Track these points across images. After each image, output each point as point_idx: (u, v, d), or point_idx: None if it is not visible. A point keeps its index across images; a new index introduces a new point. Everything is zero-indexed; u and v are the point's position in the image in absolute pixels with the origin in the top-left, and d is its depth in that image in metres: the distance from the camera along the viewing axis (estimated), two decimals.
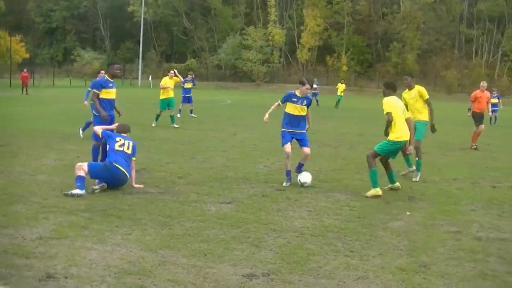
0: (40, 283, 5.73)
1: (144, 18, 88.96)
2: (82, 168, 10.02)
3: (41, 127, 20.26)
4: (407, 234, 8.12)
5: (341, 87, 45.51)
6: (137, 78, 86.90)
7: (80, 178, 9.90)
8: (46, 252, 6.68)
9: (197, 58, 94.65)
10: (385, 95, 11.13)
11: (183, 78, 27.23)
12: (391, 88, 11.15)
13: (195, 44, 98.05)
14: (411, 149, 11.42)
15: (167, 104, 23.36)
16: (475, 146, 19.06)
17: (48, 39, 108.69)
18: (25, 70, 51.36)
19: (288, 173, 11.63)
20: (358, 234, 8.00)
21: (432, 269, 6.62)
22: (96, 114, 12.25)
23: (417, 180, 12.48)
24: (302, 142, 11.87)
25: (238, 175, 12.27)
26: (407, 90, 13.09)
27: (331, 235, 7.92)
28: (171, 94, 23.57)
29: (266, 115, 12.15)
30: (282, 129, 11.84)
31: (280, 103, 11.92)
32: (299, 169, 11.87)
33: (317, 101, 46.70)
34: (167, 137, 18.84)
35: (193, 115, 28.34)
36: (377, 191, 10.53)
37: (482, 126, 19.51)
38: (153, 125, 22.54)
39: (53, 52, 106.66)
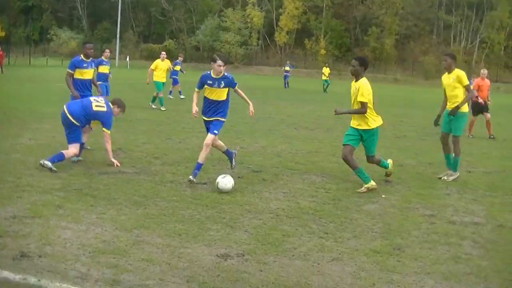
0: (14, 262, 5.70)
1: None
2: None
3: (16, 106, 20.06)
4: (382, 217, 8.18)
5: (326, 71, 45.22)
6: (115, 59, 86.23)
7: None
8: (20, 231, 6.64)
9: (175, 39, 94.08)
10: (360, 75, 10.00)
11: (175, 60, 28.93)
12: (366, 66, 10.08)
13: (173, 25, 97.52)
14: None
15: (161, 85, 23.44)
16: (493, 136, 18.89)
17: (24, 17, 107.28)
18: None
19: (197, 166, 9.87)
20: (333, 217, 8.03)
21: (406, 252, 6.67)
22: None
23: (449, 180, 11.03)
24: (210, 128, 10.09)
25: (214, 156, 12.23)
26: (446, 73, 11.35)
27: (306, 217, 7.96)
28: (163, 77, 23.78)
29: (193, 109, 10.18)
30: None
31: (197, 90, 10.17)
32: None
33: (287, 83, 46.95)
34: (143, 118, 18.75)
35: (171, 96, 28.32)
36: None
37: (488, 115, 19.35)
38: (162, 109, 22.40)
39: (29, 31, 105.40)
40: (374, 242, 6.98)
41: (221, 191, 9.08)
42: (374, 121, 10.03)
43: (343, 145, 10.07)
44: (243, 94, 10.26)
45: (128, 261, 5.88)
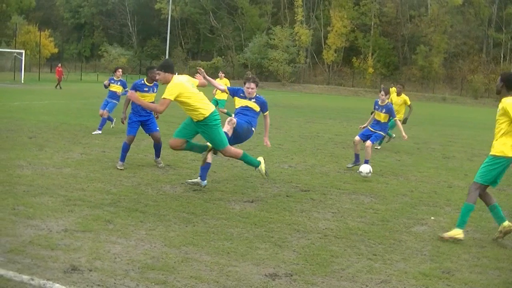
0: (65, 275, 5.79)
1: (171, 15, 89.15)
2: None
3: (67, 121, 20.42)
4: (431, 239, 8.08)
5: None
6: None
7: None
8: (71, 245, 6.75)
9: (223, 56, 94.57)
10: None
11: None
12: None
13: (221, 43, 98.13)
14: None
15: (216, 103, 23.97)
16: None
17: (76, 34, 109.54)
18: (59, 65, 51.70)
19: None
20: (382, 238, 7.97)
21: (456, 276, 6.57)
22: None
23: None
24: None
25: None
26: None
27: (354, 237, 7.91)
28: (222, 95, 24.28)
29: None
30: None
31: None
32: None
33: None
34: None
35: None
36: None
37: None
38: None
39: (81, 47, 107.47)
40: (423, 265, 6.90)
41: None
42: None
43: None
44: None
45: (176, 278, 5.92)
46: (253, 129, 10.90)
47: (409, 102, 18.60)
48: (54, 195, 9.12)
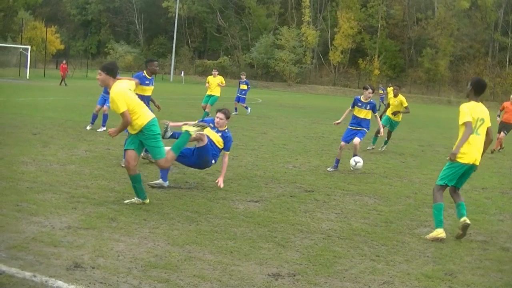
0: (68, 272, 5.78)
1: (178, 14, 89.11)
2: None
3: (72, 118, 20.44)
4: (434, 241, 8.07)
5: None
6: (169, 73, 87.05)
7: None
8: (74, 242, 6.75)
9: (229, 56, 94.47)
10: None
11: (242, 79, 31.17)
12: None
13: (228, 42, 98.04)
14: None
15: (208, 99, 24.29)
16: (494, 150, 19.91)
17: (83, 31, 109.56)
18: (64, 61, 51.62)
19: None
20: (385, 239, 7.97)
21: (458, 278, 6.56)
22: None
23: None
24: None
25: (267, 174, 12.27)
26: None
27: (358, 238, 7.90)
28: (214, 91, 24.48)
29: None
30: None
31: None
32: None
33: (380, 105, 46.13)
34: None
35: (236, 112, 29.15)
36: None
37: (502, 134, 20.07)
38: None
39: (87, 44, 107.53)
40: (426, 267, 6.90)
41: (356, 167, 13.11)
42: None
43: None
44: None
45: (179, 277, 5.91)
46: (213, 161, 10.60)
47: (406, 104, 18.69)
48: (58, 192, 9.12)
